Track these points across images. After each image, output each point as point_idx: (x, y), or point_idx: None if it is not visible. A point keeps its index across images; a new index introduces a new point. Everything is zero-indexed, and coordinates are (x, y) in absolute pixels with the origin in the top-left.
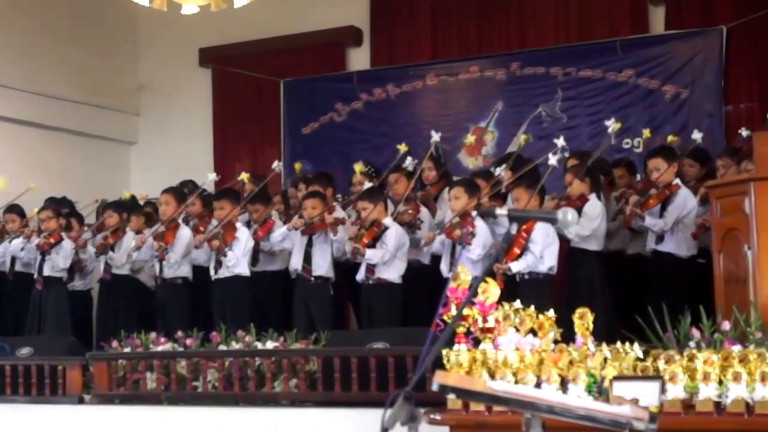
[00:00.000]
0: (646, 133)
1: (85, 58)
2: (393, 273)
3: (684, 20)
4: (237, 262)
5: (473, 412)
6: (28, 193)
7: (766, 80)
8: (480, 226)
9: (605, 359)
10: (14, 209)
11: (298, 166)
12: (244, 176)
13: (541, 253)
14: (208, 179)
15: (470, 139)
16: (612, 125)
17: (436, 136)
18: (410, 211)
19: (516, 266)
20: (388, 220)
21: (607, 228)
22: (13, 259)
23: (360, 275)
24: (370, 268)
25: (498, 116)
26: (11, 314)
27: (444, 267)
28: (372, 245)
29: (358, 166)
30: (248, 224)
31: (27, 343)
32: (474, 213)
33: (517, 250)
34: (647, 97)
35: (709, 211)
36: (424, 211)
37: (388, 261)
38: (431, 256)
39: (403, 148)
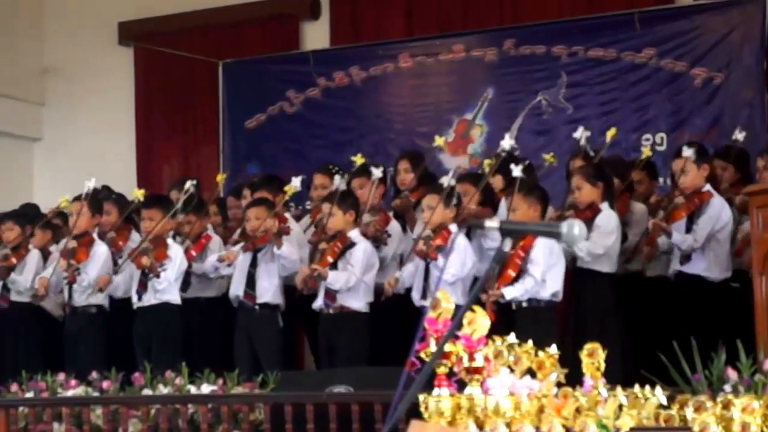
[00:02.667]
0: (646, 152)
1: None
2: (359, 300)
3: None
4: (168, 286)
5: None
6: None
7: None
8: (459, 242)
9: (620, 406)
10: None
11: (220, 178)
12: (137, 193)
13: (542, 276)
14: (86, 187)
15: (439, 141)
16: (582, 134)
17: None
18: (376, 223)
19: (511, 292)
20: (355, 234)
21: (624, 245)
22: None
23: (317, 302)
24: (331, 294)
25: (488, 106)
26: None
27: (415, 293)
28: (333, 265)
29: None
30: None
31: None
32: (453, 227)
33: (511, 273)
34: (672, 82)
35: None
36: (393, 225)
37: (353, 286)
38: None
39: (359, 159)
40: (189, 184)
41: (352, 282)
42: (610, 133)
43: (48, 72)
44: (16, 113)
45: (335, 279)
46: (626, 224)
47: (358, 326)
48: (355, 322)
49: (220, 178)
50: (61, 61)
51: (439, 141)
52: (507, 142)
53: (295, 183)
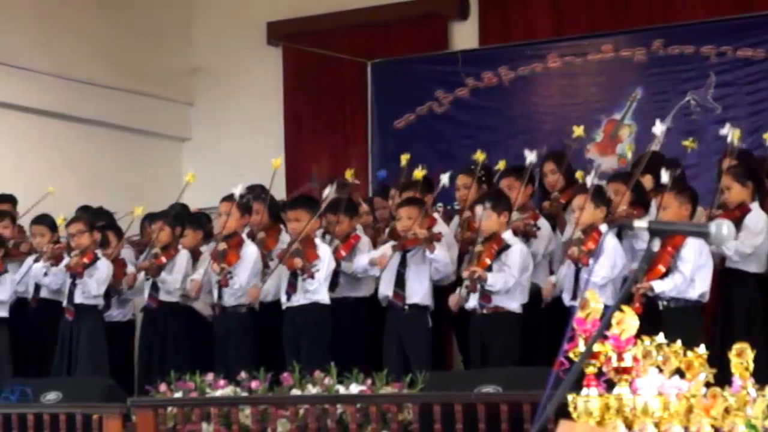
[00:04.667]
0: None
1: (126, 36)
2: (514, 300)
3: None
4: (318, 286)
5: None
6: (54, 200)
7: None
8: (608, 243)
9: None
10: (44, 220)
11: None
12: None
13: (691, 275)
14: (234, 193)
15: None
16: (729, 132)
17: (531, 156)
18: (525, 218)
19: (660, 286)
20: (509, 236)
21: None
22: (38, 284)
23: (471, 303)
24: (486, 295)
25: (637, 106)
26: (35, 351)
27: (566, 293)
28: (488, 266)
29: (419, 173)
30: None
31: (54, 387)
32: (602, 227)
33: (662, 268)
34: None
35: None
36: (542, 222)
37: (512, 288)
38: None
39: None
40: (329, 190)
41: (510, 283)
42: (735, 134)
43: (197, 72)
44: (165, 113)
45: (495, 281)
46: None
47: (511, 326)
48: (508, 322)
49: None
50: (210, 61)
51: (577, 131)
52: (659, 128)
53: (444, 180)
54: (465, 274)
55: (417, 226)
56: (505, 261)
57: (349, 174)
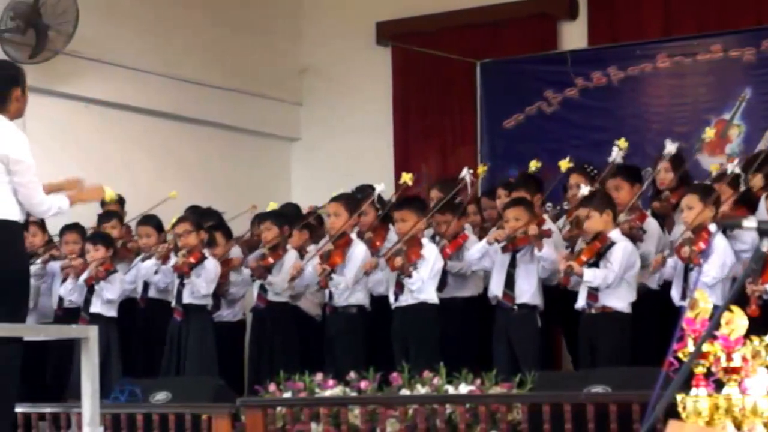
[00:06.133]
0: None
1: (236, 36)
2: (622, 300)
3: None
4: (423, 285)
5: None
6: (166, 201)
7: None
8: (718, 242)
9: None
10: (150, 221)
11: (481, 170)
12: (405, 177)
13: None
14: (378, 190)
15: (709, 133)
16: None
17: (671, 146)
18: (631, 220)
19: None
20: (615, 234)
21: None
22: (147, 284)
23: (580, 302)
24: (593, 294)
25: (746, 106)
26: (144, 351)
27: (675, 293)
28: (595, 264)
29: (564, 163)
30: (433, 239)
31: (163, 387)
32: (711, 227)
33: None
34: None
35: None
36: (651, 222)
37: (612, 283)
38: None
39: (622, 144)
40: (465, 172)
41: (610, 279)
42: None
43: (306, 72)
44: (274, 113)
45: (593, 276)
46: None
47: (620, 326)
48: (616, 321)
49: (481, 170)
50: (319, 61)
51: (709, 133)
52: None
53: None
54: (561, 267)
55: (530, 225)
56: (608, 258)
57: (407, 177)
